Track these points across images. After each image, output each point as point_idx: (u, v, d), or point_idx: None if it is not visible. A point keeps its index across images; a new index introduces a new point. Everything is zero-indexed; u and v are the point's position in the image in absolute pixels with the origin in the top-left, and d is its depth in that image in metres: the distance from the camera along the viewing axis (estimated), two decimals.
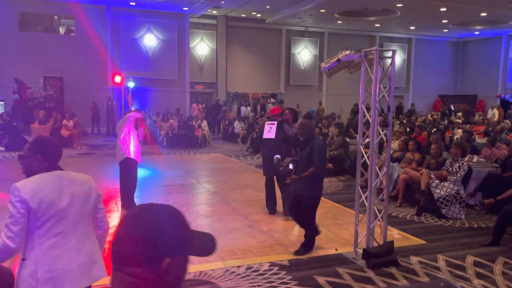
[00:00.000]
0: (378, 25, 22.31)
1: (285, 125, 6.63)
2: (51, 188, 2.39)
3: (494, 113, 19.42)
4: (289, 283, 4.36)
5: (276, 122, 6.63)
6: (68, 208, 2.42)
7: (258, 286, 4.29)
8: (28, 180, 2.39)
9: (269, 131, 6.60)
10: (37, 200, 2.31)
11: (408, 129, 12.36)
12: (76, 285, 2.42)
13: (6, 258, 2.34)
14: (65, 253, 2.41)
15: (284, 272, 4.61)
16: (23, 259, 2.35)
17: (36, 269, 2.31)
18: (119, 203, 7.12)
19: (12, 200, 2.29)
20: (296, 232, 6.06)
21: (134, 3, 18.41)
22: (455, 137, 11.55)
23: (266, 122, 6.81)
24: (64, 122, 14.71)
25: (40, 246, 2.34)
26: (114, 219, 6.55)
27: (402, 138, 9.30)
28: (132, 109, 15.51)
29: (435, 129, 12.79)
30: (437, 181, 6.88)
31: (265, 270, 4.66)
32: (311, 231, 5.22)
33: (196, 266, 4.75)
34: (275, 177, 6.73)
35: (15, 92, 16.85)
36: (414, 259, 5.04)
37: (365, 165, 5.13)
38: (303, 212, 5.20)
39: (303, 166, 5.00)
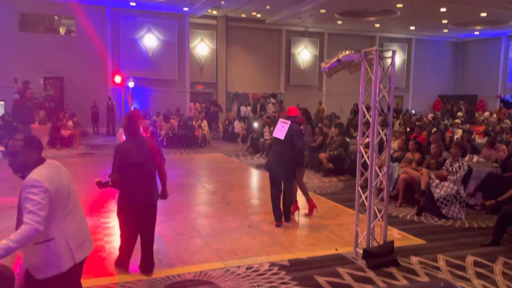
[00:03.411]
0: (378, 25, 22.31)
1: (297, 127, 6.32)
2: (56, 175, 2.82)
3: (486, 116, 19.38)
4: (289, 283, 4.36)
5: (290, 122, 6.19)
6: (70, 189, 2.90)
7: (258, 286, 4.29)
8: (39, 172, 2.72)
9: (280, 130, 6.20)
10: (54, 187, 2.71)
11: (408, 129, 12.36)
12: (91, 249, 3.05)
13: (31, 241, 2.63)
14: (79, 224, 2.95)
15: (284, 272, 4.61)
16: (52, 239, 2.72)
17: (68, 242, 2.78)
18: None
19: (34, 191, 2.61)
20: (296, 232, 6.06)
21: (134, 4, 18.42)
22: (455, 137, 11.55)
23: (280, 119, 6.37)
24: (64, 121, 14.71)
25: (63, 223, 2.79)
26: (114, 219, 6.55)
27: (402, 138, 9.30)
28: (132, 109, 15.55)
29: (435, 128, 12.79)
30: (437, 181, 6.89)
31: (265, 270, 4.66)
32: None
33: (196, 266, 4.76)
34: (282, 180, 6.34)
35: (15, 92, 16.86)
36: (414, 259, 5.04)
37: (365, 165, 5.13)
38: None
39: None
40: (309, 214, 6.77)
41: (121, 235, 4.54)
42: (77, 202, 3.01)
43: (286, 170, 6.24)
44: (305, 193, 6.82)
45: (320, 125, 13.69)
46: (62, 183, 2.84)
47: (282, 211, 6.39)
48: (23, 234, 2.55)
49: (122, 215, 4.46)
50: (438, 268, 4.80)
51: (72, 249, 2.82)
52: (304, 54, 23.89)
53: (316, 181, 9.61)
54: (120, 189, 4.37)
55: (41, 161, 2.83)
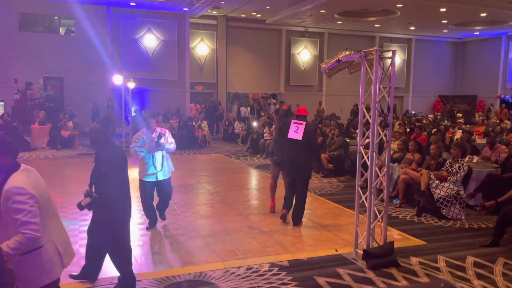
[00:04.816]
0: (378, 25, 22.31)
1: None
2: (36, 179, 2.72)
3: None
4: (289, 284, 4.36)
5: (304, 123, 6.19)
6: (48, 194, 2.81)
7: (258, 286, 4.29)
8: (18, 178, 2.59)
9: (296, 131, 6.19)
10: (37, 192, 2.63)
11: (408, 130, 12.35)
12: (74, 253, 3.02)
13: (30, 248, 2.60)
14: (61, 228, 2.91)
15: (284, 273, 4.61)
16: (41, 246, 2.65)
17: (56, 247, 2.73)
18: None
19: (22, 199, 2.51)
20: (296, 233, 6.06)
21: (134, 3, 18.41)
22: (455, 138, 11.54)
23: (293, 121, 6.29)
24: (64, 122, 14.70)
25: (48, 229, 2.72)
26: None
27: (402, 139, 9.30)
28: (132, 109, 15.52)
29: (435, 129, 12.78)
30: (437, 182, 6.88)
31: (265, 271, 4.66)
32: (126, 278, 4.12)
33: (196, 266, 4.76)
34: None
35: (16, 92, 16.84)
36: (414, 259, 5.04)
37: (365, 166, 5.13)
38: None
39: (99, 188, 3.97)
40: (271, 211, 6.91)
41: (127, 252, 4.16)
42: (55, 206, 2.92)
43: (305, 170, 6.30)
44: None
45: (320, 125, 13.68)
46: (43, 187, 2.75)
47: (292, 216, 6.40)
48: (21, 242, 2.50)
49: (126, 225, 4.15)
50: (438, 269, 4.80)
51: (61, 254, 2.77)
52: (304, 54, 23.89)
53: (316, 182, 9.61)
54: (118, 202, 3.98)
55: (16, 166, 2.69)
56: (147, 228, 6.05)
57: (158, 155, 5.87)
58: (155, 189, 6.05)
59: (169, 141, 5.95)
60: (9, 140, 2.78)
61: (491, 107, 22.03)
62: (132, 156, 5.89)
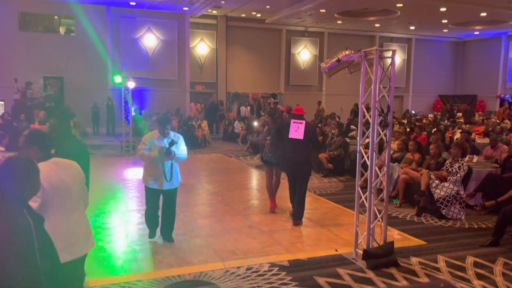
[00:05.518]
0: (378, 25, 22.31)
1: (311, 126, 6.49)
2: (55, 173, 2.80)
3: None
4: (289, 284, 4.36)
5: (304, 122, 6.23)
6: (70, 189, 2.87)
7: (258, 287, 4.29)
8: None
9: (296, 130, 6.22)
10: (48, 183, 2.70)
11: (408, 129, 12.35)
12: (83, 252, 2.98)
13: None
14: (75, 225, 2.92)
15: (284, 273, 4.60)
16: None
17: (55, 241, 2.65)
18: (119, 202, 7.12)
19: None
20: (296, 233, 6.06)
21: (134, 3, 18.42)
22: (455, 137, 11.53)
23: (292, 121, 6.32)
24: None
25: (55, 221, 2.74)
26: (115, 219, 6.55)
27: (402, 138, 9.29)
28: (133, 109, 15.53)
29: (435, 129, 12.77)
30: (437, 182, 6.88)
31: (265, 271, 4.65)
32: None
33: (196, 267, 4.76)
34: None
35: (16, 92, 16.83)
36: (414, 259, 5.04)
37: (365, 166, 5.12)
38: None
39: None
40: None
41: None
42: (79, 204, 2.99)
43: (306, 168, 6.36)
44: (276, 189, 7.05)
45: (320, 125, 13.68)
46: (63, 182, 2.82)
47: (292, 214, 6.47)
48: None
49: None
50: (438, 269, 4.80)
51: (58, 249, 2.70)
52: (304, 54, 23.89)
53: (316, 182, 9.61)
54: None
55: (45, 158, 2.80)
56: (149, 237, 5.62)
57: (167, 162, 5.26)
58: (161, 198, 5.48)
59: (181, 148, 5.30)
60: (36, 133, 2.94)
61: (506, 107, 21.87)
62: (139, 158, 5.43)
